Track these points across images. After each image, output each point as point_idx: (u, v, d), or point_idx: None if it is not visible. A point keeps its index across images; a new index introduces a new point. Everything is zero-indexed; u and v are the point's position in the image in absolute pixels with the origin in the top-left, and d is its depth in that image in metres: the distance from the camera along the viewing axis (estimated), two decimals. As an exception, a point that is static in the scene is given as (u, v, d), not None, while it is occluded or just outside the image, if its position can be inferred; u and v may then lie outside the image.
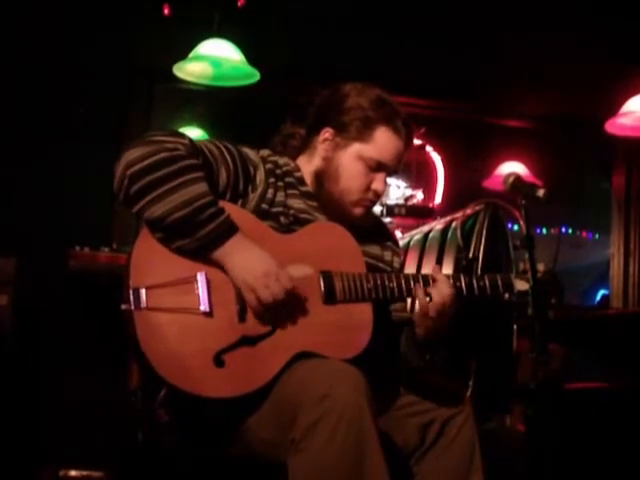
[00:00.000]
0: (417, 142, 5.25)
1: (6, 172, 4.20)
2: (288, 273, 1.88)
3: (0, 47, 4.27)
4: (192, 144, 1.93)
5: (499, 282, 2.09)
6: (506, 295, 2.11)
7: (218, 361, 1.82)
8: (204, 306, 1.84)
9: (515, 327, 2.77)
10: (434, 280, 2.02)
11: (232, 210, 1.90)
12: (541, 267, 2.05)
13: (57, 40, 4.42)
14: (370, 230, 2.20)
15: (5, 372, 3.54)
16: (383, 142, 2.07)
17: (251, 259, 1.86)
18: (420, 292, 2.01)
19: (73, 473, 3.78)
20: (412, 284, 2.02)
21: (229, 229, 1.86)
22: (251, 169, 2.01)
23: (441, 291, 2.00)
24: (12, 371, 3.61)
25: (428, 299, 2.00)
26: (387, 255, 2.23)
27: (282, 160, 2.12)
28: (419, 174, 5.50)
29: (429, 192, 5.36)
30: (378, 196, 2.12)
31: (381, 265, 2.18)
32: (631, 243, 5.35)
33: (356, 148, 2.07)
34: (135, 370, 2.98)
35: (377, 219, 2.37)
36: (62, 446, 3.92)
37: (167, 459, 2.20)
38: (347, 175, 2.07)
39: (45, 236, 4.14)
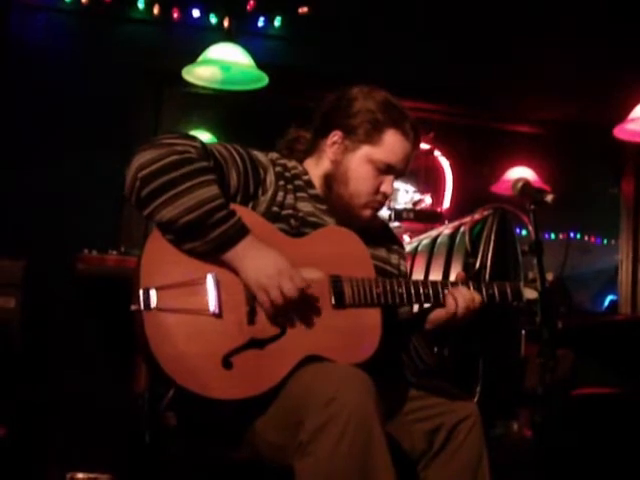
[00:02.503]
0: (425, 147, 5.24)
1: (15, 175, 4.21)
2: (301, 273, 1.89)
3: (6, 48, 4.29)
4: (203, 147, 1.93)
5: (508, 290, 2.10)
6: (514, 303, 2.11)
7: (226, 363, 1.82)
8: (213, 308, 1.84)
9: (523, 332, 2.77)
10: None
11: (242, 213, 1.91)
12: (550, 276, 2.05)
13: (65, 44, 4.44)
14: (377, 233, 2.21)
15: (13, 374, 3.55)
16: (392, 145, 2.08)
17: (263, 260, 1.87)
18: (455, 293, 2.03)
19: (80, 476, 3.79)
20: (421, 290, 2.03)
21: (240, 231, 1.86)
22: (261, 172, 2.02)
23: (465, 296, 2.04)
24: (20, 373, 3.62)
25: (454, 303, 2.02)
26: (394, 258, 2.24)
27: (290, 163, 2.12)
28: (427, 179, 5.49)
29: (437, 197, 5.35)
30: (386, 198, 2.13)
31: (388, 268, 2.19)
32: (640, 248, 5.34)
33: (365, 151, 2.08)
34: (142, 372, 2.99)
35: (383, 223, 2.38)
36: (69, 449, 3.93)
37: (174, 462, 2.20)
38: (356, 178, 2.08)
39: (53, 239, 4.15)
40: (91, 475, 3.80)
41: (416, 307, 2.19)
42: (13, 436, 3.57)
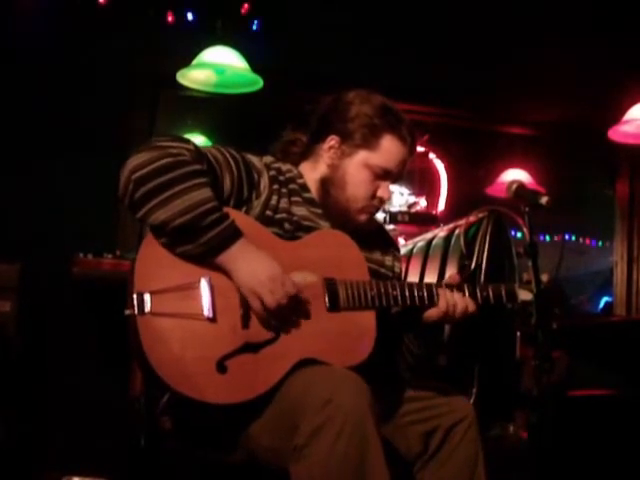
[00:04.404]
0: (420, 149, 5.25)
1: (10, 179, 4.21)
2: (292, 279, 1.89)
3: (3, 53, 4.28)
4: (197, 150, 1.93)
5: (503, 292, 2.10)
6: (509, 304, 2.11)
7: (221, 367, 1.82)
8: (207, 312, 1.84)
9: (518, 334, 2.77)
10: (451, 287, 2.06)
11: (236, 216, 1.91)
12: (545, 277, 2.05)
13: (60, 47, 4.44)
14: (372, 236, 2.21)
15: (9, 378, 3.54)
16: (389, 149, 2.08)
17: (256, 264, 1.87)
18: (449, 296, 2.04)
19: (76, 479, 3.78)
20: (415, 292, 2.03)
21: (233, 235, 1.86)
22: (255, 175, 2.02)
23: (466, 304, 2.05)
24: (16, 377, 3.61)
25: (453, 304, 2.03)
26: (388, 260, 2.24)
27: (285, 167, 2.12)
28: (422, 181, 5.51)
29: (432, 199, 5.37)
30: (383, 203, 2.14)
31: (382, 270, 2.19)
32: (634, 250, 5.35)
33: (363, 156, 2.08)
34: (138, 376, 2.99)
35: (378, 225, 2.39)
36: (65, 453, 3.92)
37: (170, 465, 2.20)
38: (354, 182, 2.09)
39: (49, 242, 4.14)
40: (87, 478, 3.79)
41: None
42: (10, 440, 3.57)
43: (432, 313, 2.05)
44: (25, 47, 4.36)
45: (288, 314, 1.88)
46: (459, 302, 2.04)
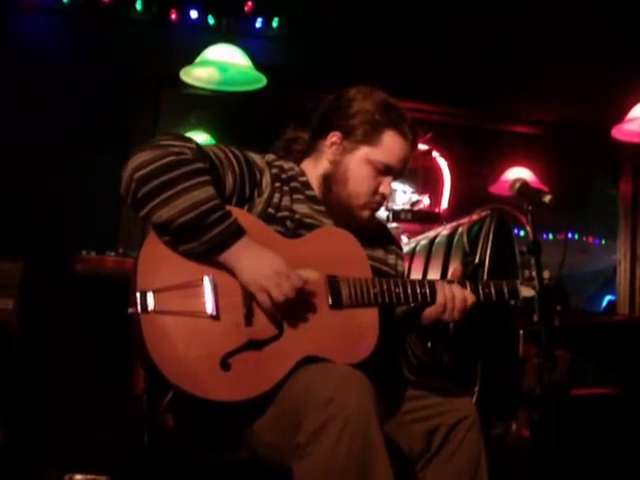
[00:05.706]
0: (423, 147, 5.25)
1: (13, 176, 4.21)
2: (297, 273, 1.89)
3: (5, 49, 4.29)
4: (199, 148, 1.93)
5: (505, 289, 2.10)
6: (512, 301, 2.11)
7: (224, 365, 1.82)
8: (211, 310, 1.84)
9: (521, 332, 2.77)
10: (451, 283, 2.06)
11: (238, 214, 1.91)
12: (547, 274, 2.05)
13: (62, 45, 4.44)
14: (374, 234, 2.22)
15: (11, 375, 3.55)
16: (391, 146, 2.09)
17: (260, 260, 1.87)
18: (447, 289, 2.03)
19: (78, 477, 3.79)
20: (418, 289, 2.03)
21: (235, 232, 1.87)
22: (257, 174, 2.02)
23: (465, 295, 2.05)
24: (18, 374, 3.62)
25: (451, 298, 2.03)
26: (391, 258, 2.24)
27: (287, 165, 2.13)
28: (425, 179, 5.50)
29: (435, 197, 5.36)
30: (385, 199, 2.14)
31: (385, 268, 2.19)
32: (638, 249, 5.34)
33: (364, 152, 2.08)
34: (141, 374, 2.99)
35: (381, 223, 2.39)
36: (67, 450, 3.93)
37: (172, 463, 2.20)
38: (355, 178, 2.09)
39: (51, 240, 4.15)
40: (89, 476, 3.80)
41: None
42: (12, 438, 3.57)
43: (431, 310, 2.05)
44: (26, 46, 4.36)
45: (291, 312, 1.88)
46: (457, 294, 2.04)
